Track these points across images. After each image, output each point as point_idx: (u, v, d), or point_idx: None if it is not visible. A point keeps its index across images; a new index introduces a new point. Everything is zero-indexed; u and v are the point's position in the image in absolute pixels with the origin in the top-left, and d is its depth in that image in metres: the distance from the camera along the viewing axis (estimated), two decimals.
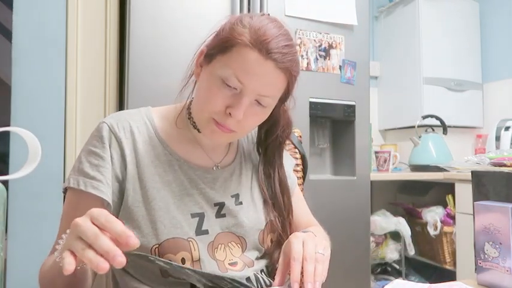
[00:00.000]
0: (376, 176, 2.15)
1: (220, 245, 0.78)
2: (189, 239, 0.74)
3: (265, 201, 0.85)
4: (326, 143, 1.92)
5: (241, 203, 0.82)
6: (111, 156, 0.75)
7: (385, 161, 2.34)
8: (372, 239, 2.16)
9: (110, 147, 0.76)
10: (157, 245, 0.72)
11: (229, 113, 0.71)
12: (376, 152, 2.40)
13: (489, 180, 0.79)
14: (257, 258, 0.81)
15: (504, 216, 0.70)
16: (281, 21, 0.75)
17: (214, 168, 0.82)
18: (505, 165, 0.79)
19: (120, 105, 1.54)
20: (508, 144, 2.27)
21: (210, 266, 0.74)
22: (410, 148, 2.45)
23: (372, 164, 2.33)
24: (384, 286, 0.73)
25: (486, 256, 0.74)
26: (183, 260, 0.72)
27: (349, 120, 1.80)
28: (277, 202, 0.85)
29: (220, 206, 0.80)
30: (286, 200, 0.86)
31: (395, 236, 2.28)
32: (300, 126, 1.51)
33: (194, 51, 0.80)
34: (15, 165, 1.31)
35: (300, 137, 1.13)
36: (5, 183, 0.64)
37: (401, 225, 2.20)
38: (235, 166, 0.86)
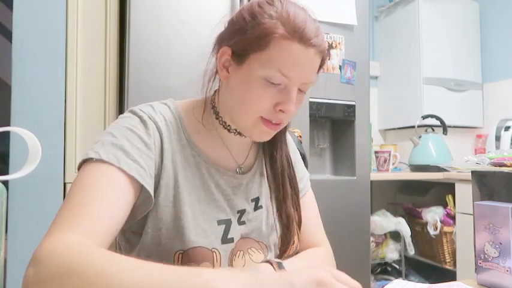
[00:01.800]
0: (376, 176, 2.15)
1: (239, 252, 0.75)
2: (213, 249, 0.71)
3: (281, 202, 0.81)
4: (326, 143, 1.92)
5: (261, 207, 0.80)
6: (154, 145, 0.68)
7: (385, 161, 2.34)
8: (372, 239, 2.16)
9: (153, 135, 0.69)
10: (181, 251, 0.69)
11: (280, 110, 0.68)
12: (376, 152, 2.40)
13: (489, 180, 0.79)
14: None
15: (504, 216, 0.70)
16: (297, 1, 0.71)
17: (238, 170, 0.78)
18: (505, 165, 0.79)
19: (120, 105, 1.54)
20: (508, 144, 2.27)
21: None
22: (410, 148, 2.45)
23: (372, 164, 2.33)
24: (383, 286, 0.73)
25: (486, 256, 0.74)
26: None
27: (349, 120, 1.80)
28: (278, 191, 0.81)
29: (241, 213, 0.77)
30: (285, 189, 0.80)
31: (395, 236, 2.28)
32: (300, 126, 1.51)
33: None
34: (15, 165, 1.31)
35: (300, 137, 1.13)
36: (5, 183, 0.64)
37: (401, 225, 2.20)
38: (257, 167, 0.82)
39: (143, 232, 0.69)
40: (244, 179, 0.78)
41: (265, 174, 0.83)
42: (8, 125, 1.34)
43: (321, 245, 0.85)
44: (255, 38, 0.66)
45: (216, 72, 0.74)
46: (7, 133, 1.27)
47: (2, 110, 1.40)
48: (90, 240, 0.54)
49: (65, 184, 1.46)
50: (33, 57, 1.41)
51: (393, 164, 2.41)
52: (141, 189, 0.64)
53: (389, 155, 2.35)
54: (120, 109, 1.54)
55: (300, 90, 0.70)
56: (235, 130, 0.75)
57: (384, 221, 2.19)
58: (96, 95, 1.51)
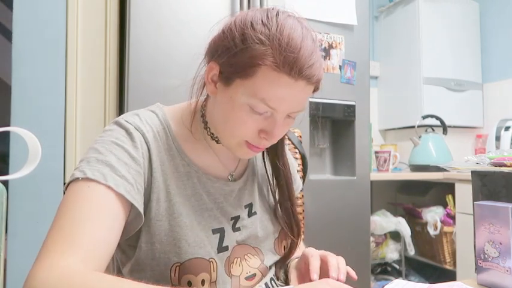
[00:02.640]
0: (376, 176, 2.15)
1: (236, 259, 0.74)
2: (210, 259, 0.69)
3: (277, 207, 0.82)
4: (326, 143, 1.92)
5: (255, 213, 0.79)
6: (142, 158, 0.65)
7: (385, 161, 2.34)
8: (372, 239, 2.16)
9: (141, 148, 0.66)
10: (178, 264, 0.67)
11: (264, 137, 0.66)
12: (376, 152, 2.40)
13: (489, 180, 0.79)
14: (271, 266, 0.80)
15: (504, 216, 0.70)
16: (295, 13, 0.67)
17: (229, 177, 0.77)
18: (505, 165, 0.79)
19: (120, 105, 1.54)
20: (508, 144, 2.27)
21: (224, 287, 0.71)
22: (410, 148, 2.45)
23: (372, 164, 2.33)
24: (384, 286, 0.73)
25: (486, 256, 0.74)
26: (203, 282, 0.68)
27: (349, 120, 1.80)
28: (284, 196, 0.81)
29: (235, 219, 0.76)
30: (291, 193, 0.81)
31: (395, 236, 2.28)
32: (300, 126, 1.50)
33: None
34: (15, 165, 1.31)
35: (300, 137, 1.13)
36: (5, 183, 0.64)
37: (401, 225, 2.20)
38: (249, 174, 0.81)
39: (137, 246, 0.68)
40: (236, 185, 0.77)
41: (258, 181, 0.82)
42: (8, 125, 1.34)
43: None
44: (241, 64, 0.62)
45: (202, 85, 0.73)
46: (7, 133, 1.27)
47: (2, 110, 1.40)
48: (84, 265, 0.53)
49: (65, 184, 1.45)
50: (33, 57, 1.41)
51: (393, 164, 2.41)
52: (131, 205, 0.62)
53: (389, 155, 2.35)
54: (120, 109, 1.54)
55: (288, 116, 0.67)
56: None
57: (384, 221, 2.19)
58: (96, 95, 1.51)
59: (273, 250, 0.80)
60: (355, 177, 1.79)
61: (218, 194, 0.74)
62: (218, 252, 0.71)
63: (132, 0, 1.44)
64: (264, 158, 0.84)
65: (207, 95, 0.74)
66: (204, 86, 0.73)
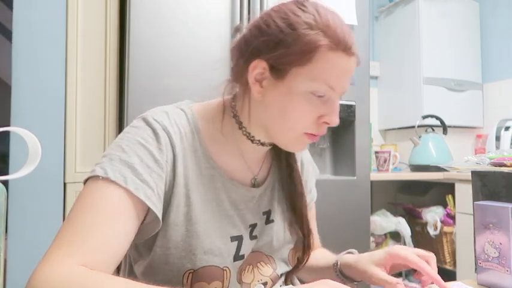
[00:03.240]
0: (376, 176, 2.15)
1: (248, 266, 0.73)
2: (224, 268, 0.68)
3: (293, 215, 0.80)
4: (326, 143, 1.92)
5: (272, 221, 0.77)
6: (166, 162, 0.64)
7: (385, 161, 2.34)
8: (372, 239, 2.16)
9: (166, 151, 0.64)
10: (191, 271, 0.66)
11: (324, 122, 0.66)
12: (376, 152, 2.40)
13: (489, 180, 0.79)
14: (282, 275, 0.79)
15: (504, 216, 0.70)
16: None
17: (252, 181, 0.76)
18: (505, 165, 0.79)
19: (120, 105, 1.54)
20: (508, 144, 2.27)
21: None
22: (410, 148, 2.45)
23: (372, 164, 2.32)
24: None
25: (486, 256, 0.74)
26: None
27: (349, 120, 1.80)
28: (297, 211, 0.79)
29: (253, 227, 0.74)
30: (303, 209, 0.80)
31: (395, 236, 2.28)
32: None
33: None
34: (15, 165, 1.31)
35: None
36: (5, 183, 0.64)
37: (401, 225, 2.20)
38: (270, 180, 0.79)
39: (152, 250, 0.66)
40: (258, 191, 0.76)
41: (277, 188, 0.80)
42: (8, 125, 1.34)
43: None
44: (297, 52, 0.62)
45: (233, 80, 0.72)
46: (7, 133, 1.27)
47: (2, 110, 1.40)
48: (91, 269, 0.53)
49: (65, 184, 1.46)
50: (33, 57, 1.41)
51: (393, 164, 2.41)
52: (148, 209, 0.61)
53: (390, 155, 2.35)
54: (120, 109, 1.54)
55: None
56: (259, 141, 0.72)
57: (384, 221, 2.19)
58: (96, 95, 1.51)
59: (286, 260, 0.78)
60: (355, 177, 1.79)
61: (240, 200, 0.72)
62: (234, 261, 0.70)
63: (132, 0, 1.44)
64: (281, 163, 0.82)
65: (234, 95, 0.73)
66: (231, 86, 0.72)
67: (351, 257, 0.80)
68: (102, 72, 1.52)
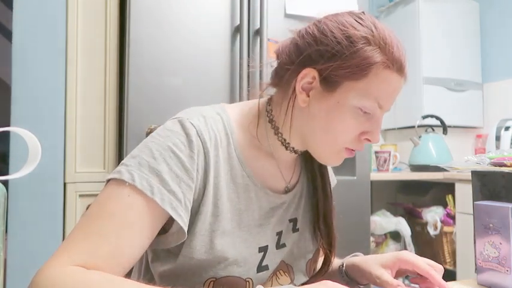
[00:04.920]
0: (376, 176, 2.15)
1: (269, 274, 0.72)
2: (247, 279, 0.67)
3: (317, 224, 0.79)
4: None
5: (297, 230, 0.76)
6: (196, 171, 0.61)
7: (385, 161, 2.34)
8: (372, 239, 2.16)
9: (197, 159, 0.62)
10: (213, 279, 0.64)
11: (366, 138, 0.66)
12: (376, 152, 2.40)
13: (489, 180, 0.79)
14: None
15: (504, 216, 0.70)
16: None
17: (285, 188, 0.75)
18: (505, 165, 0.78)
19: (120, 105, 1.54)
20: (508, 144, 2.27)
21: None
22: (410, 148, 2.45)
23: (372, 164, 2.32)
24: None
25: (486, 256, 0.74)
26: None
27: None
28: (326, 221, 0.78)
29: (280, 234, 0.73)
30: (333, 219, 0.79)
31: (395, 236, 2.28)
32: None
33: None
34: (15, 165, 1.31)
35: None
36: (5, 183, 0.64)
37: (401, 225, 2.20)
38: (300, 186, 0.78)
39: (176, 257, 0.65)
40: (287, 198, 0.74)
41: (305, 196, 0.79)
42: (8, 125, 1.34)
43: None
44: (353, 66, 0.61)
45: (275, 84, 0.70)
46: (7, 133, 1.27)
47: (2, 110, 1.40)
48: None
49: (65, 184, 1.46)
50: (33, 57, 1.41)
51: (393, 164, 2.41)
52: (174, 220, 0.59)
53: (390, 155, 2.35)
54: (120, 109, 1.54)
55: None
56: (293, 148, 0.71)
57: (384, 221, 2.19)
58: (96, 95, 1.51)
59: (304, 271, 0.78)
60: (355, 177, 1.79)
61: (269, 208, 0.71)
62: (257, 272, 0.69)
63: (132, 0, 1.44)
64: (311, 170, 0.81)
65: (269, 98, 0.72)
66: (264, 90, 0.72)
67: (357, 258, 0.80)
68: (102, 72, 1.52)
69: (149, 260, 0.71)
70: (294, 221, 0.76)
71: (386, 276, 0.71)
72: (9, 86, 1.38)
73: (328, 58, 0.62)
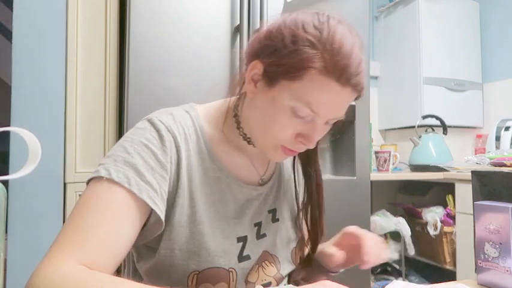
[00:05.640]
0: (376, 176, 2.15)
1: (254, 266, 0.72)
2: (230, 269, 0.68)
3: (298, 214, 0.81)
4: (326, 143, 1.92)
5: (277, 220, 0.78)
6: (170, 163, 0.64)
7: (385, 161, 2.34)
8: None
9: (170, 152, 0.64)
10: (196, 272, 0.66)
11: (301, 141, 0.65)
12: (376, 152, 2.40)
13: (489, 180, 0.79)
14: (286, 275, 0.79)
15: (504, 216, 0.70)
16: (344, 19, 0.64)
17: (260, 181, 0.76)
18: (505, 165, 0.79)
19: (120, 105, 1.54)
20: (508, 144, 2.27)
21: None
22: (410, 148, 2.45)
23: (372, 164, 2.32)
24: (384, 286, 0.73)
25: (486, 256, 0.74)
26: None
27: (349, 120, 1.80)
28: (313, 203, 0.79)
29: (259, 225, 0.74)
30: (321, 200, 0.79)
31: (396, 236, 2.28)
32: None
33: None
34: (15, 165, 1.31)
35: None
36: (5, 183, 0.64)
37: (401, 225, 2.20)
38: (276, 178, 0.79)
39: (156, 251, 0.66)
40: (263, 190, 0.76)
41: (283, 186, 0.80)
42: (8, 125, 1.34)
43: None
44: (290, 66, 0.60)
45: (239, 78, 0.72)
46: (7, 133, 1.27)
47: (2, 110, 1.40)
48: (90, 268, 0.53)
49: (65, 184, 1.46)
50: (33, 57, 1.41)
51: (393, 164, 2.41)
52: (151, 211, 0.61)
53: (390, 155, 2.35)
54: (120, 109, 1.54)
55: (326, 122, 0.66)
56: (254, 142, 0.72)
57: (384, 221, 2.19)
58: (96, 95, 1.51)
59: (289, 259, 0.78)
60: (355, 177, 1.79)
61: (245, 200, 0.72)
62: (239, 262, 0.69)
63: (132, 0, 1.44)
64: (294, 164, 0.82)
65: (240, 95, 0.73)
66: (241, 85, 0.72)
67: (323, 244, 0.83)
68: (102, 72, 1.52)
69: (135, 261, 0.72)
70: (273, 211, 0.77)
71: (332, 249, 0.76)
72: (9, 86, 1.38)
73: (270, 53, 0.63)
